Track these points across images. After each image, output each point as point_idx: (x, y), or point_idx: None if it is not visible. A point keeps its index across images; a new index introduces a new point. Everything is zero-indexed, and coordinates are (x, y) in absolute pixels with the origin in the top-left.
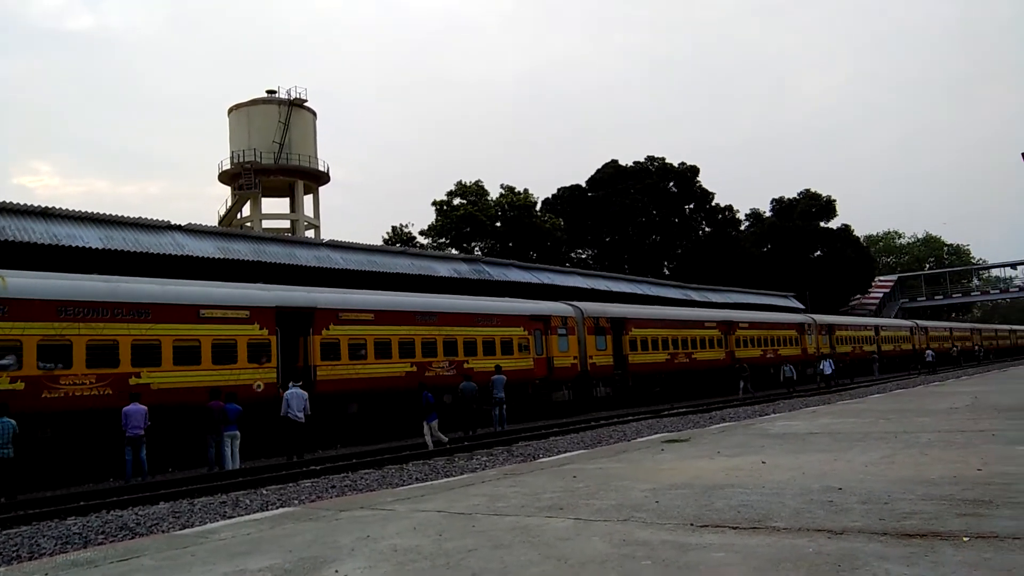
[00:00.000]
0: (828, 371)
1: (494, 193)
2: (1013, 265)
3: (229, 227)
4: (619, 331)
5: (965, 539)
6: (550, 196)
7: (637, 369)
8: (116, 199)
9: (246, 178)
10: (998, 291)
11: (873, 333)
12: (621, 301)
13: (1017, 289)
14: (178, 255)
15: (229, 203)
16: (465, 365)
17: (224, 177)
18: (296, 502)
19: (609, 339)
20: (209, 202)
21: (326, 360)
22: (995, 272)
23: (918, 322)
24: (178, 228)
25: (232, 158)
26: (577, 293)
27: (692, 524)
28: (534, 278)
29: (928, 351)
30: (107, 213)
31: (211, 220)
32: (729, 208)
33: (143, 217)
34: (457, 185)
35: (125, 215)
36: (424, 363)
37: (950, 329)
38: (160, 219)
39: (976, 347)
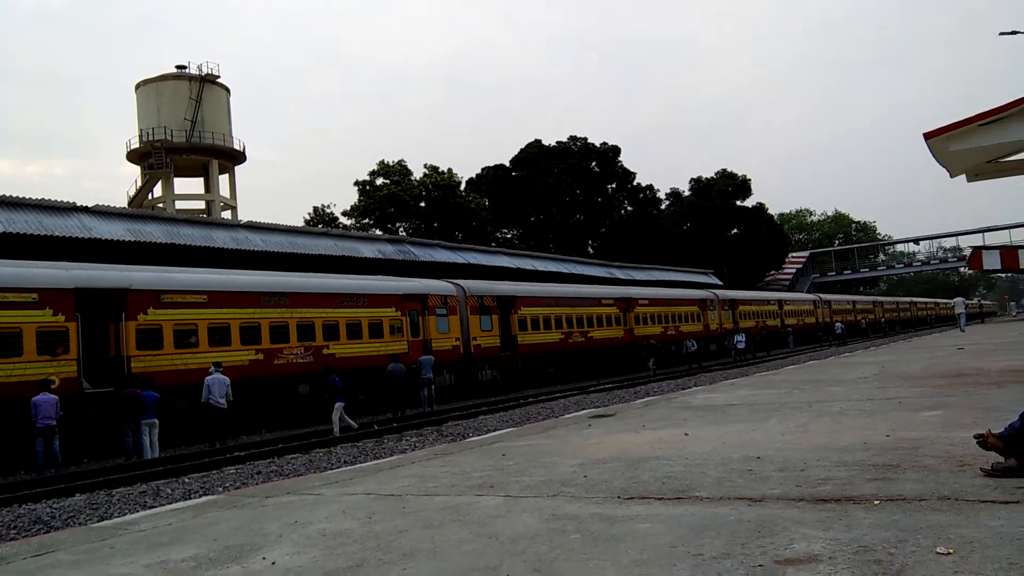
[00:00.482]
0: (741, 345)
1: (418, 173)
2: (916, 240)
3: (140, 208)
4: (507, 310)
5: (876, 502)
6: (474, 176)
7: (528, 350)
8: (18, 180)
9: (156, 157)
10: (903, 265)
11: (776, 308)
12: (548, 280)
13: (920, 263)
14: (85, 238)
15: (139, 184)
16: (325, 351)
17: (133, 156)
18: (220, 489)
19: (496, 319)
20: (118, 183)
21: (144, 350)
22: (900, 248)
23: (821, 296)
24: (85, 210)
25: (141, 136)
26: (504, 273)
27: (619, 497)
28: (460, 258)
29: (838, 324)
30: (8, 195)
31: (121, 202)
32: (650, 187)
33: (47, 198)
34: (380, 165)
35: (27, 196)
36: (273, 350)
37: (853, 302)
38: (66, 200)
39: (881, 319)
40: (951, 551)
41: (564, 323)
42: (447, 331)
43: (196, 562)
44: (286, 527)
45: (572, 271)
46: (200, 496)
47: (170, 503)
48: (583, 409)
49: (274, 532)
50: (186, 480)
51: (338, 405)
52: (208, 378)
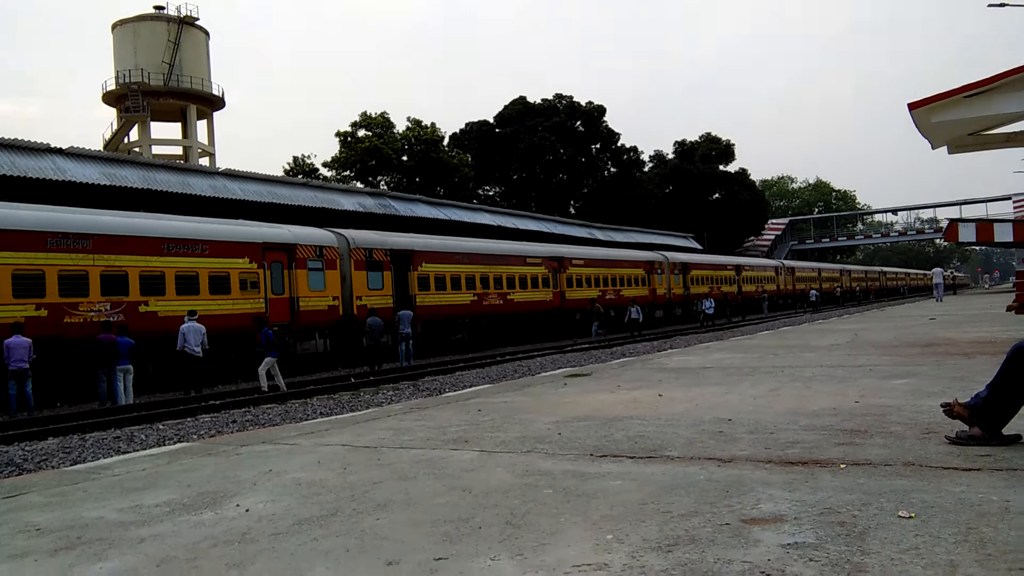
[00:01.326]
0: (710, 311)
1: (400, 126)
2: (894, 211)
3: (116, 152)
4: (404, 266)
5: (842, 466)
6: (458, 131)
7: (429, 313)
8: None
9: (133, 100)
10: (879, 235)
11: (734, 273)
12: (527, 240)
13: (897, 234)
14: (60, 180)
15: (115, 127)
16: (143, 308)
17: (109, 99)
18: (195, 437)
19: (388, 276)
20: (93, 125)
21: None
22: (878, 217)
23: (784, 262)
24: (59, 151)
25: (117, 78)
26: (484, 231)
27: (592, 455)
28: (441, 214)
29: (812, 291)
30: None
31: (96, 145)
32: (634, 149)
33: (20, 139)
34: (362, 116)
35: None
36: (63, 305)
37: (818, 270)
38: (40, 141)
39: (856, 288)
40: (913, 515)
41: (478, 283)
42: (322, 288)
43: (170, 507)
44: (260, 475)
45: (553, 231)
46: (174, 443)
47: (144, 449)
48: (559, 368)
49: (248, 480)
50: (160, 427)
51: (268, 360)
52: (183, 326)
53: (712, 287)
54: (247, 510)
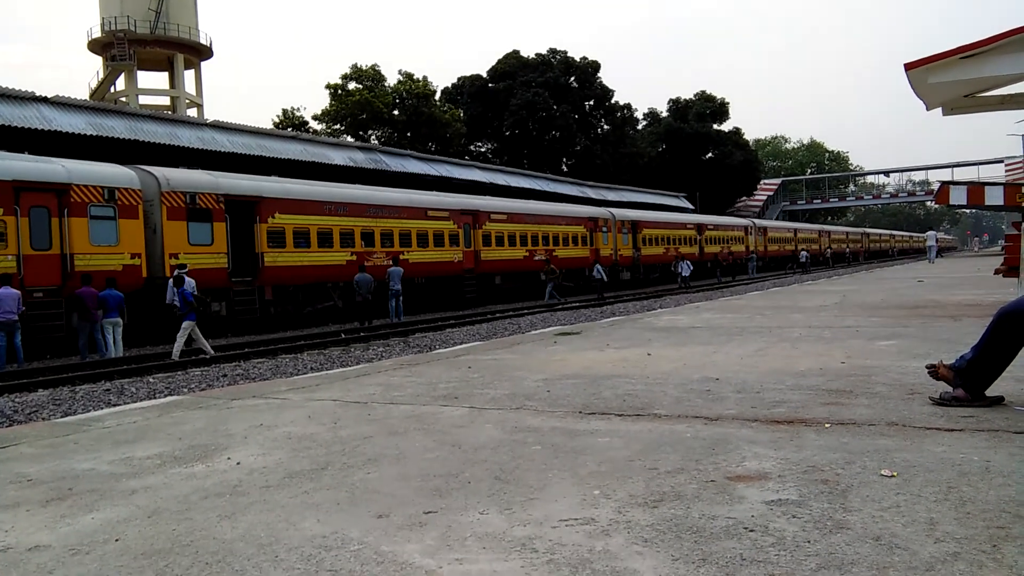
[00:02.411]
0: (686, 272)
1: (391, 79)
2: (886, 172)
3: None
4: (247, 218)
5: (827, 426)
6: (450, 86)
7: (281, 277)
8: None
9: (119, 49)
10: (871, 196)
11: (695, 233)
12: (521, 197)
13: (888, 195)
14: (45, 130)
15: (101, 76)
16: None
17: (95, 47)
18: (185, 390)
19: (223, 228)
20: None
21: None
22: (870, 179)
23: (755, 221)
24: (44, 100)
25: (103, 25)
26: (475, 187)
27: (581, 412)
28: (433, 170)
29: (803, 252)
30: None
31: (81, 93)
32: (628, 107)
33: (3, 87)
34: (352, 69)
35: None
36: None
37: (794, 230)
38: (24, 89)
39: (826, 249)
40: (895, 474)
41: (358, 240)
42: (114, 243)
43: (161, 460)
44: (251, 429)
45: (544, 188)
46: (165, 396)
47: (135, 402)
48: (549, 326)
49: (239, 433)
50: (151, 380)
51: (187, 324)
52: (172, 281)
53: (668, 248)
54: (238, 463)
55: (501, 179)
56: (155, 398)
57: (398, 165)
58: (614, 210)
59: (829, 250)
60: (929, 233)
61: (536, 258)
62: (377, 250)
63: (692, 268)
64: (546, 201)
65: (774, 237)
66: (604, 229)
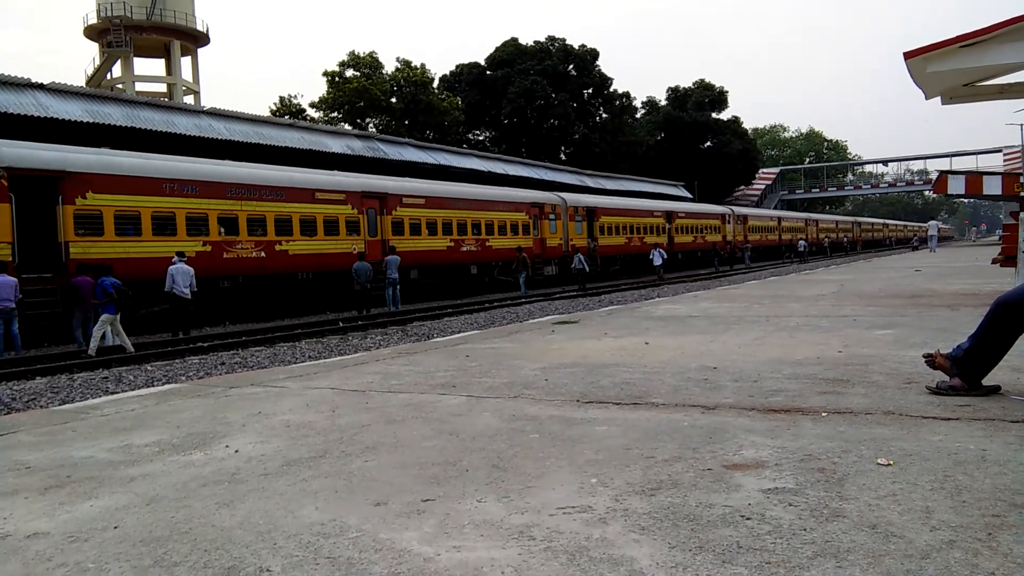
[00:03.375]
0: (658, 261)
1: (389, 67)
2: (885, 162)
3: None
4: (48, 196)
5: (824, 414)
6: (448, 73)
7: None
8: None
9: (115, 35)
10: (869, 186)
11: (663, 221)
12: (517, 187)
13: (887, 185)
14: (41, 117)
15: (97, 62)
16: None
17: (91, 33)
18: (183, 378)
19: (5, 212)
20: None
21: None
22: (868, 168)
23: (734, 209)
24: (41, 87)
25: (99, 11)
26: (474, 176)
27: (579, 401)
28: (431, 158)
29: (801, 241)
30: None
31: (77, 80)
32: (626, 95)
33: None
34: (350, 56)
35: None
36: None
37: (779, 219)
38: (20, 76)
39: (824, 239)
40: (891, 463)
41: (214, 227)
42: None
43: (159, 448)
44: (250, 417)
45: (543, 177)
46: (163, 384)
47: (133, 390)
48: (547, 315)
49: (237, 421)
50: (149, 368)
51: (105, 317)
52: (172, 268)
53: (631, 238)
54: (236, 451)
55: (500, 167)
56: (153, 386)
57: (396, 153)
58: (566, 195)
59: (827, 239)
60: (931, 223)
61: (464, 249)
62: (243, 239)
63: (665, 257)
64: (530, 188)
65: (756, 226)
66: (552, 216)
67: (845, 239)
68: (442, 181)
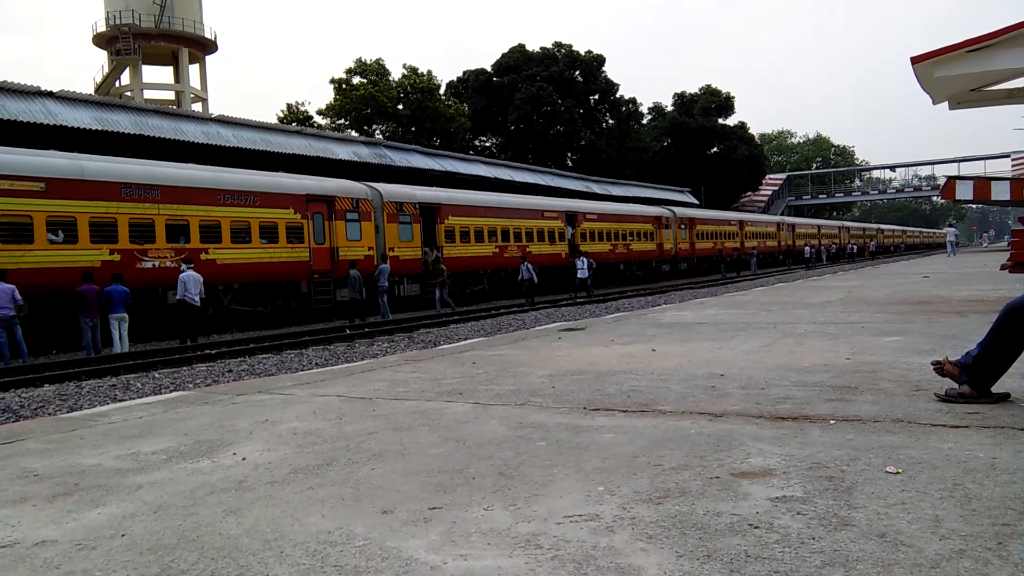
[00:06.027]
0: (583, 274)
1: (396, 74)
2: (892, 167)
3: (107, 96)
4: None
5: (832, 422)
6: (454, 80)
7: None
8: None
9: (124, 43)
10: (876, 192)
11: (562, 224)
12: (524, 192)
13: (894, 190)
14: (51, 125)
15: (106, 70)
16: None
17: (99, 40)
18: (191, 386)
19: None
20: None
21: None
22: (876, 173)
23: (675, 211)
24: (50, 95)
25: (108, 19)
26: (480, 182)
27: (585, 408)
28: (437, 165)
29: (807, 247)
30: None
31: (86, 88)
32: (633, 101)
33: (9, 81)
34: (357, 63)
35: None
36: None
37: (740, 223)
38: (29, 84)
39: (808, 245)
40: (900, 471)
41: (86, 234)
42: None
43: (167, 455)
44: (257, 424)
45: (550, 183)
46: (171, 391)
47: (140, 397)
48: (554, 322)
49: (245, 429)
50: (156, 375)
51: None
52: (182, 275)
53: (502, 248)
54: (244, 459)
55: (506, 174)
56: (160, 393)
57: (403, 160)
58: (384, 186)
59: (833, 246)
60: (949, 229)
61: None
62: (125, 249)
63: (593, 268)
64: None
65: (706, 232)
66: (352, 218)
67: (834, 245)
68: (483, 192)
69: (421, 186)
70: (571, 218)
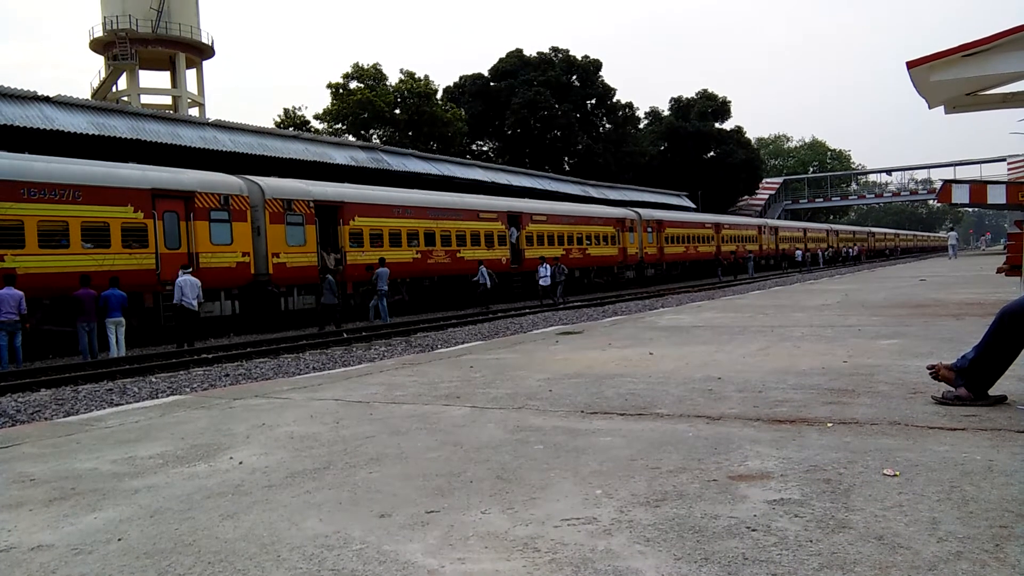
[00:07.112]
0: (545, 281)
1: (393, 78)
2: (888, 171)
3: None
4: None
5: (829, 425)
6: (451, 85)
7: None
8: None
9: (121, 48)
10: (872, 195)
11: (502, 227)
12: (521, 196)
13: (891, 194)
14: (47, 129)
15: (103, 75)
16: None
17: (96, 46)
18: (188, 390)
19: None
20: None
21: None
22: (872, 177)
23: (640, 212)
24: (46, 100)
25: (105, 24)
26: (477, 186)
27: (583, 411)
28: (434, 169)
29: (798, 251)
30: None
31: (83, 93)
32: (629, 105)
33: (5, 86)
34: (354, 68)
35: None
36: None
37: (716, 225)
38: (26, 88)
39: (798, 248)
40: (897, 473)
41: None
42: None
43: (163, 459)
44: (254, 429)
45: (547, 188)
46: (167, 396)
47: (137, 401)
48: (551, 326)
49: (242, 433)
50: (153, 379)
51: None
52: (179, 279)
53: (423, 254)
54: (240, 463)
55: (503, 178)
56: (157, 398)
57: (400, 164)
58: (267, 180)
59: (830, 249)
60: (951, 233)
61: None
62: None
63: (564, 274)
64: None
65: (676, 235)
66: (219, 217)
67: (830, 249)
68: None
69: (321, 181)
70: (514, 219)
